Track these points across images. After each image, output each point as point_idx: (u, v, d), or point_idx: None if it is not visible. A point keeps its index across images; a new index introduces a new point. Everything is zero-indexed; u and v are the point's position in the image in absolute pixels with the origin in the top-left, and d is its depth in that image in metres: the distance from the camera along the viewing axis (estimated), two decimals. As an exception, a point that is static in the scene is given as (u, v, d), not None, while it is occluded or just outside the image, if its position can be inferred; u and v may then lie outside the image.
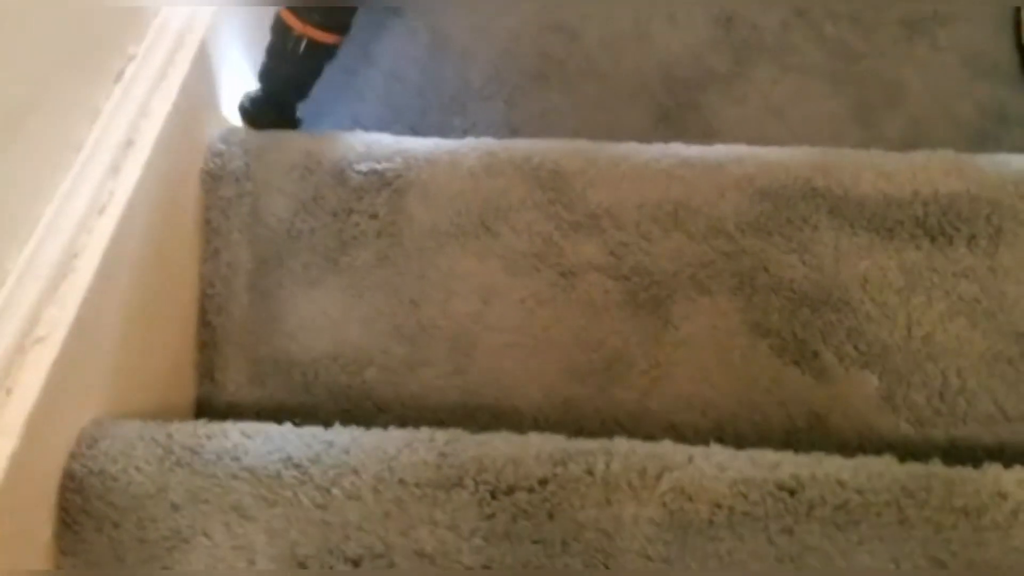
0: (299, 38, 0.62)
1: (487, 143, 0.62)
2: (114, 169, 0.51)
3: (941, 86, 0.74)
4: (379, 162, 0.60)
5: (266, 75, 0.66)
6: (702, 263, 0.59)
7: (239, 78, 0.68)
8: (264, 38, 0.65)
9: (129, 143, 0.52)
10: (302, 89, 0.67)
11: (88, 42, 0.50)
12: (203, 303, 0.60)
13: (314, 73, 0.66)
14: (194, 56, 0.60)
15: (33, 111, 0.45)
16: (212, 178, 0.61)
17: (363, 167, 0.60)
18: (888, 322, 0.58)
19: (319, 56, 0.65)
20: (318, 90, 0.67)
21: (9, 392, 0.41)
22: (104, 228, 0.49)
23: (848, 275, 0.58)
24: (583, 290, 0.59)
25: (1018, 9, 0.74)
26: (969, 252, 0.58)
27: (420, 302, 0.59)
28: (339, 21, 0.63)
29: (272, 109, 0.67)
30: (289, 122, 0.68)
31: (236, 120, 0.67)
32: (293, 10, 0.62)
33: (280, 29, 0.63)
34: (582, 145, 0.63)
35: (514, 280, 0.59)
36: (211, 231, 0.61)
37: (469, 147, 0.62)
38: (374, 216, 0.60)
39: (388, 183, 0.60)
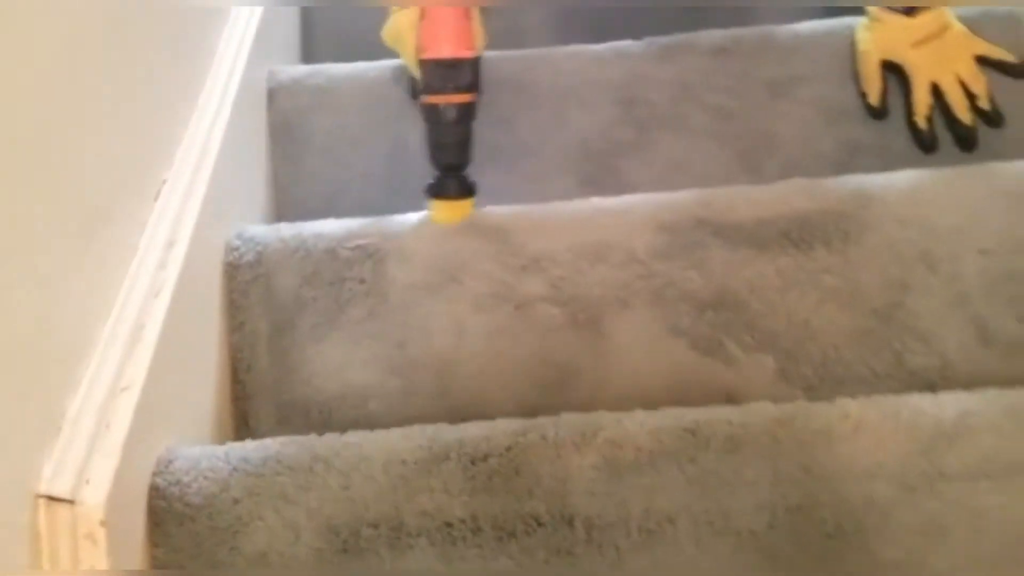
0: (447, 107, 0.76)
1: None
2: (161, 265, 0.67)
3: (805, 132, 0.92)
4: (361, 239, 0.77)
5: (437, 153, 0.78)
6: (623, 285, 0.74)
7: (245, 192, 0.85)
8: (258, 161, 0.82)
9: (170, 244, 0.68)
10: (466, 152, 0.79)
11: (138, 169, 0.67)
12: (234, 364, 0.75)
13: (469, 134, 0.78)
14: (210, 177, 0.76)
15: (104, 222, 0.61)
16: (232, 267, 0.77)
17: (350, 244, 0.77)
18: (773, 314, 0.73)
19: (468, 116, 0.78)
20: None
21: (108, 426, 0.55)
22: (160, 308, 0.64)
23: (737, 282, 0.74)
24: (534, 318, 0.75)
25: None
26: (827, 253, 0.74)
27: (406, 344, 0.75)
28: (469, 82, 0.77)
29: (455, 181, 0.78)
30: (470, 189, 0.79)
31: (245, 222, 0.83)
32: (430, 91, 0.76)
33: (430, 110, 0.77)
34: (521, 207, 0.80)
35: (479, 316, 0.75)
36: (235, 308, 0.76)
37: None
38: (362, 281, 0.76)
39: (370, 255, 0.76)
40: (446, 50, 0.76)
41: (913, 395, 0.61)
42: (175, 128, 0.74)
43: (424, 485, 0.57)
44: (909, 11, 0.87)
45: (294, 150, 0.96)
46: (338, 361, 0.74)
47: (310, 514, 0.57)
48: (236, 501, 0.57)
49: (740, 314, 0.74)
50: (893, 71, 0.90)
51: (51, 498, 0.50)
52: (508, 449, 0.58)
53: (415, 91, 0.85)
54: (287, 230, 0.80)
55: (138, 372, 0.59)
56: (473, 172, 0.80)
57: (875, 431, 0.57)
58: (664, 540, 0.56)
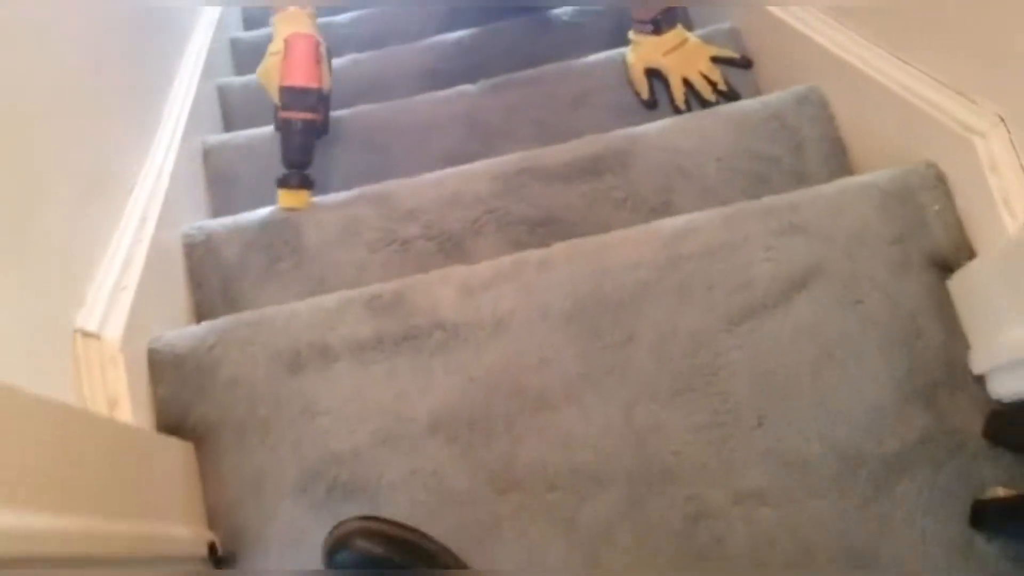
0: (295, 121, 1.06)
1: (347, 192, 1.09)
2: (138, 238, 0.94)
3: (600, 126, 1.18)
4: (279, 218, 1.06)
5: (287, 154, 1.07)
6: (474, 219, 1.04)
7: (191, 214, 1.14)
8: (199, 197, 1.12)
9: (143, 220, 0.96)
10: (308, 155, 1.08)
11: (120, 164, 0.96)
12: (198, 313, 1.01)
13: (312, 143, 1.08)
14: (165, 192, 1.04)
15: (102, 189, 0.89)
16: (189, 247, 1.04)
17: (276, 219, 1.05)
18: (584, 222, 1.03)
19: (310, 130, 1.08)
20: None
21: (115, 302, 0.80)
22: (140, 255, 0.90)
23: (555, 205, 1.05)
24: (414, 251, 1.03)
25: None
26: (613, 177, 1.05)
27: (324, 280, 1.02)
28: (313, 105, 1.08)
29: (297, 176, 1.06)
30: (310, 182, 1.07)
31: (196, 220, 1.11)
32: (284, 108, 1.06)
33: (284, 122, 1.07)
34: (394, 180, 1.10)
35: (374, 255, 1.03)
36: (193, 274, 1.03)
37: (336, 194, 1.09)
38: (286, 243, 1.04)
39: (292, 225, 1.05)
40: (299, 80, 1.08)
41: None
42: (137, 157, 1.03)
43: (339, 319, 0.84)
44: (656, 31, 1.25)
45: (226, 191, 1.25)
46: (275, 299, 1.00)
47: (263, 348, 0.82)
48: (211, 347, 0.82)
49: (561, 226, 1.03)
50: (654, 75, 1.27)
51: (85, 333, 0.74)
52: (394, 291, 0.85)
53: (276, 119, 1.12)
54: (227, 220, 1.08)
55: (131, 280, 0.85)
56: (358, 186, 1.10)
57: (635, 240, 0.87)
58: (508, 329, 0.83)
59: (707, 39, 1.29)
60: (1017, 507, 0.73)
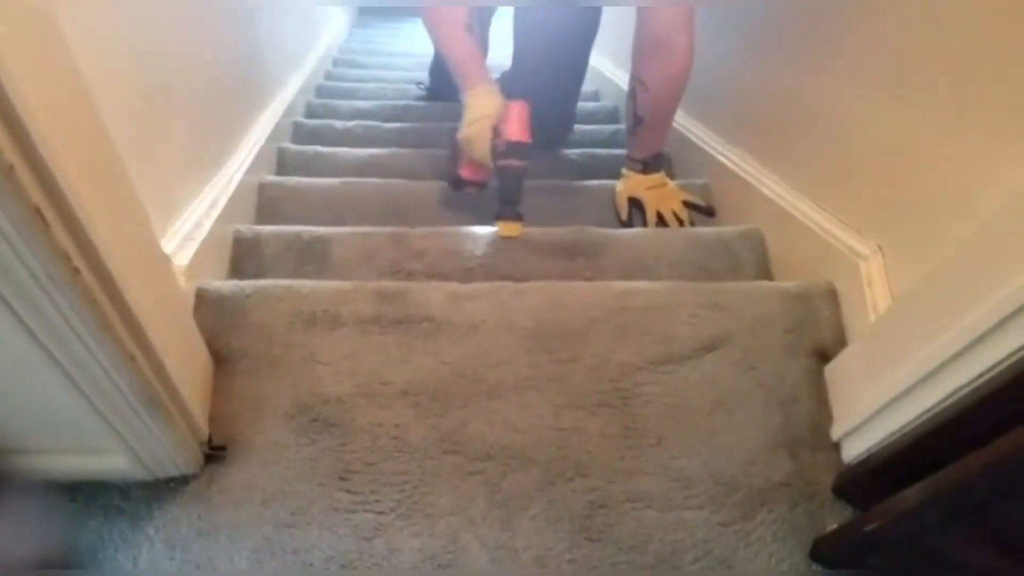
0: (516, 168, 1.34)
1: (374, 228, 1.34)
2: (207, 215, 1.18)
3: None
4: (318, 232, 1.30)
5: (505, 195, 1.34)
6: (467, 270, 1.28)
7: (247, 210, 1.38)
8: (252, 204, 1.38)
9: (213, 205, 1.20)
10: (519, 195, 1.35)
11: (211, 155, 1.21)
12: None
13: (522, 185, 1.37)
14: (227, 201, 1.30)
15: (192, 172, 1.14)
16: (238, 240, 1.27)
17: (310, 235, 1.30)
18: (555, 288, 1.28)
19: (523, 175, 1.35)
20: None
21: (192, 239, 1.03)
22: (206, 227, 1.14)
23: (534, 271, 1.29)
24: (415, 277, 1.27)
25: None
26: (586, 260, 1.31)
27: (339, 286, 1.25)
28: (524, 154, 1.35)
29: (512, 210, 1.33)
30: (521, 216, 1.34)
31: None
32: (507, 158, 1.34)
33: (505, 169, 1.34)
34: (415, 229, 1.35)
35: (382, 278, 1.26)
36: (236, 262, 1.26)
37: (365, 227, 1.33)
38: (315, 252, 1.27)
39: (322, 240, 1.29)
40: (523, 136, 1.31)
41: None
42: (223, 158, 1.30)
43: (352, 298, 1.06)
44: (644, 171, 1.55)
45: (269, 218, 1.51)
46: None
47: (288, 305, 1.04)
48: (247, 296, 1.04)
49: (536, 288, 1.27)
50: (635, 204, 1.56)
51: (165, 255, 0.97)
52: (399, 288, 1.08)
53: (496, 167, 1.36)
54: (273, 227, 1.32)
55: (198, 238, 1.08)
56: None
57: (593, 290, 1.10)
58: (479, 332, 1.05)
59: (683, 187, 1.59)
60: (844, 543, 0.91)
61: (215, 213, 1.17)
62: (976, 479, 0.63)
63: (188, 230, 1.04)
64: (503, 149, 1.33)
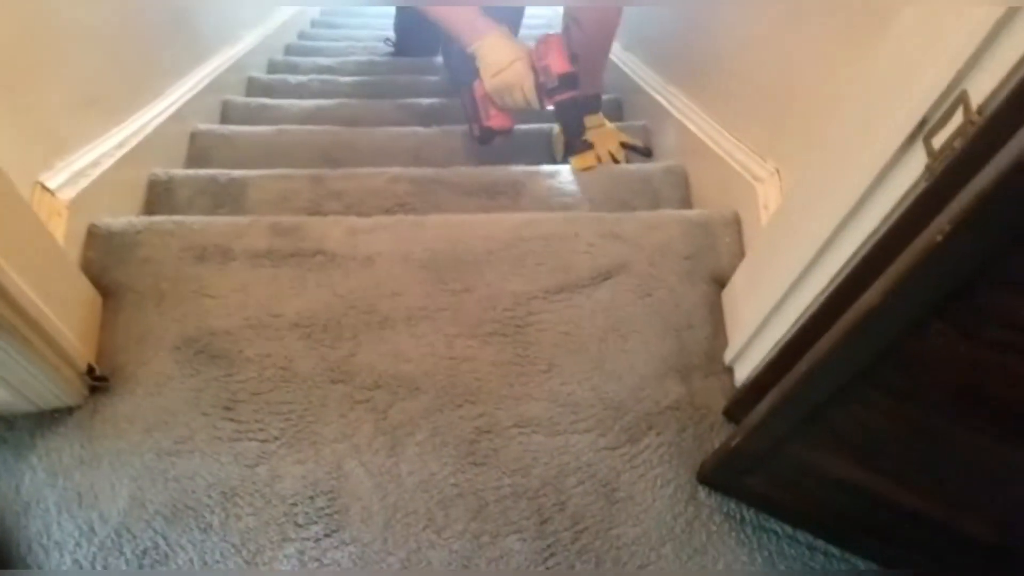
0: (571, 99, 1.34)
1: (292, 170, 1.33)
2: (114, 154, 1.18)
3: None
4: (234, 176, 1.30)
5: (570, 129, 1.38)
6: (386, 208, 1.28)
7: (171, 156, 1.38)
8: (180, 151, 1.37)
9: (122, 145, 1.20)
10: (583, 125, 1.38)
11: (132, 90, 1.21)
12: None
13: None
14: (145, 138, 1.30)
15: (103, 103, 1.13)
16: (152, 184, 1.27)
17: (226, 177, 1.29)
18: (472, 226, 1.27)
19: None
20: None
21: (86, 176, 1.03)
22: (109, 165, 1.14)
23: (451, 208, 1.28)
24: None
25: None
26: (506, 199, 1.30)
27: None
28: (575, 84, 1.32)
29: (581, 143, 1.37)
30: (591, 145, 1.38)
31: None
32: (558, 92, 1.32)
33: (562, 104, 1.34)
34: (335, 171, 1.34)
35: (298, 216, 1.26)
36: (149, 204, 1.26)
37: (284, 169, 1.33)
38: (230, 194, 1.27)
39: (238, 182, 1.28)
40: (569, 67, 1.30)
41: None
42: (148, 95, 1.29)
43: (244, 233, 1.05)
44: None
45: (202, 167, 1.50)
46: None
47: (179, 240, 1.04)
48: (138, 231, 1.04)
49: (454, 226, 1.26)
50: (572, 145, 1.54)
51: (43, 186, 0.97)
52: (295, 222, 1.07)
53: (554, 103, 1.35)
54: (190, 171, 1.32)
55: (94, 175, 1.08)
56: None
57: (492, 221, 1.09)
58: (374, 264, 1.04)
59: (622, 128, 1.57)
60: (721, 462, 0.90)
61: (120, 154, 1.17)
62: (801, 386, 0.62)
63: (81, 167, 1.04)
64: (554, 84, 1.31)
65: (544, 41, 1.32)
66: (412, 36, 2.41)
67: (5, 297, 0.73)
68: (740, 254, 1.05)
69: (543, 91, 1.33)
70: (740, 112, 1.14)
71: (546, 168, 1.36)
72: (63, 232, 0.96)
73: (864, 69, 0.67)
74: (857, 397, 0.62)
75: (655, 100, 1.57)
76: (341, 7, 3.48)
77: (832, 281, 0.71)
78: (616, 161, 1.49)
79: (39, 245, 0.82)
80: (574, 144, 1.37)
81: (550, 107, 1.35)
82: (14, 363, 0.79)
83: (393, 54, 2.52)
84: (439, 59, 2.36)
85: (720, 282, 1.03)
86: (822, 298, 0.72)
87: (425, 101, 1.87)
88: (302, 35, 2.94)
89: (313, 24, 3.23)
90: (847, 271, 0.69)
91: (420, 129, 1.59)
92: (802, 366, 0.64)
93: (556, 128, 1.57)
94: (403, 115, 1.81)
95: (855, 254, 0.67)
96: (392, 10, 2.47)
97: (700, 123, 1.30)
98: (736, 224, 1.07)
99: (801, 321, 0.77)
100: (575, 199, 1.29)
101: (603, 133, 1.52)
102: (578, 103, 1.35)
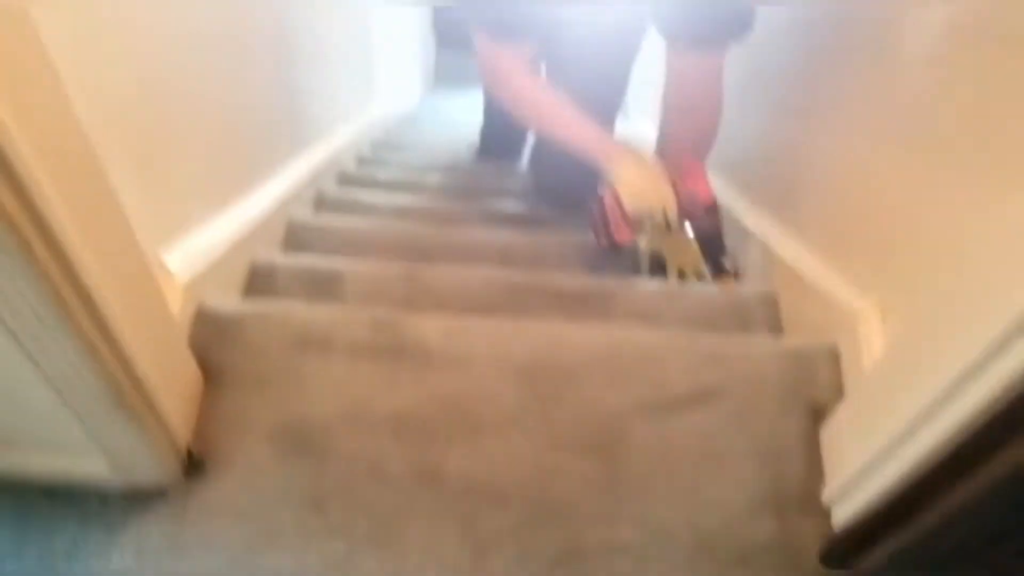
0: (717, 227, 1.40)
1: (390, 264, 1.36)
2: (223, 242, 1.22)
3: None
4: (329, 267, 1.33)
5: (715, 254, 1.40)
6: (476, 307, 1.29)
7: (270, 244, 1.42)
8: (277, 239, 1.42)
9: (236, 233, 1.25)
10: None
11: (244, 185, 1.26)
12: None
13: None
14: (261, 222, 1.35)
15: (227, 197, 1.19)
16: (254, 268, 1.31)
17: (321, 268, 1.33)
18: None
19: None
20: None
21: (199, 258, 1.07)
22: (219, 252, 1.18)
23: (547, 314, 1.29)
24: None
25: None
26: (594, 307, 1.31)
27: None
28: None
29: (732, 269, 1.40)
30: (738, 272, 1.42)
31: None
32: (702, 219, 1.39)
33: (707, 231, 1.41)
34: (430, 267, 1.37)
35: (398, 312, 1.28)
36: (250, 287, 1.29)
37: (382, 263, 1.36)
38: (329, 285, 1.30)
39: (336, 273, 1.32)
40: (712, 198, 1.36)
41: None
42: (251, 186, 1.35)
43: (346, 325, 1.07)
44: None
45: (297, 251, 1.55)
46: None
47: (282, 328, 1.06)
48: (244, 316, 1.06)
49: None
50: (657, 258, 1.55)
51: (165, 267, 1.00)
52: (395, 318, 1.09)
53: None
54: (291, 259, 1.36)
55: (207, 261, 1.12)
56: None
57: (591, 332, 1.10)
58: (470, 366, 1.05)
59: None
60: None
61: (229, 238, 1.21)
62: (928, 538, 0.59)
63: (198, 248, 1.08)
64: (701, 214, 1.35)
65: (685, 167, 1.36)
66: (498, 140, 2.49)
67: (129, 372, 0.75)
68: (838, 388, 1.03)
69: (684, 214, 1.36)
70: (838, 242, 1.14)
71: (636, 281, 1.37)
72: (178, 311, 0.98)
73: (1001, 217, 0.67)
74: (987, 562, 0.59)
75: (739, 222, 1.59)
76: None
77: (958, 433, 0.69)
78: (701, 279, 1.50)
79: (162, 324, 0.85)
80: (719, 268, 1.39)
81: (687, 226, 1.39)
82: (124, 436, 0.81)
83: (477, 156, 2.61)
84: (522, 163, 2.43)
85: (817, 416, 1.01)
86: (946, 449, 0.70)
87: (511, 203, 1.91)
88: (388, 132, 3.06)
89: (399, 123, 3.36)
90: (976, 426, 0.68)
91: (507, 231, 1.62)
92: (927, 518, 0.62)
93: (642, 242, 1.59)
94: (489, 216, 1.86)
95: (986, 410, 0.66)
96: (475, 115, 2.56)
97: (792, 250, 1.30)
98: (835, 357, 1.05)
99: (921, 471, 0.74)
100: (665, 316, 1.29)
101: (689, 249, 1.54)
102: (719, 232, 1.38)
